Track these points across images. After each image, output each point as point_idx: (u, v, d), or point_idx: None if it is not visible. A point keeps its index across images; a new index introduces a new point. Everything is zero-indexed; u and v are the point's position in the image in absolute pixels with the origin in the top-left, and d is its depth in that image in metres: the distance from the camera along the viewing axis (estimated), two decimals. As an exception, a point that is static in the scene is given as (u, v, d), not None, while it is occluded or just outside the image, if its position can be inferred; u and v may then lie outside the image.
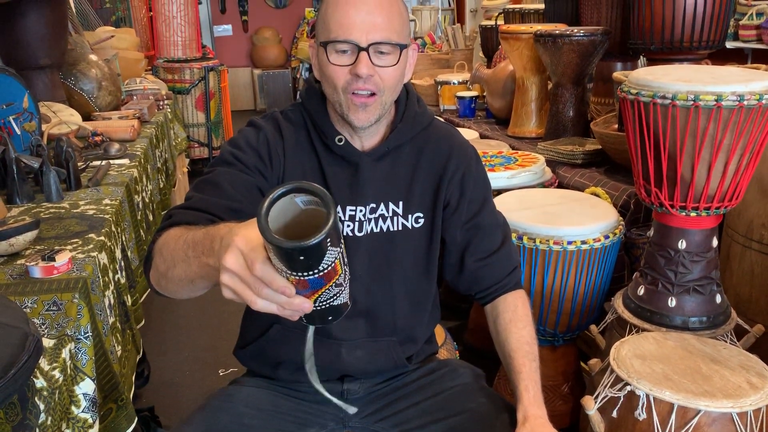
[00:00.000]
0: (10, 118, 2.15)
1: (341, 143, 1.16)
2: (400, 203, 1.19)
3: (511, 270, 1.26)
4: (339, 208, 1.17)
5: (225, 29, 8.62)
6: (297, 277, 0.71)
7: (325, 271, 0.71)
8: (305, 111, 1.20)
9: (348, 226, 1.17)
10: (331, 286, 0.74)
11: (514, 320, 1.21)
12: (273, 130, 1.18)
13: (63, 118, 2.54)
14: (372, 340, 1.21)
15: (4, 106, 2.13)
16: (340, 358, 1.19)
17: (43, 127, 2.32)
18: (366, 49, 1.05)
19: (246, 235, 0.73)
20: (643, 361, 1.36)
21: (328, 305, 0.77)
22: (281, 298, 0.73)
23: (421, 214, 1.20)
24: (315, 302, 0.75)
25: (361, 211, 1.17)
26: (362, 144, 1.18)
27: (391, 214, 1.18)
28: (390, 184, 1.19)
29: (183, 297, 0.99)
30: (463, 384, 1.22)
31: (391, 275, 1.20)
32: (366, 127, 1.13)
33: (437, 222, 1.21)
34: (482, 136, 3.01)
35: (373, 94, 1.09)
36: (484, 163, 2.25)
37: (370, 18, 1.05)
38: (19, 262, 1.40)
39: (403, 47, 1.09)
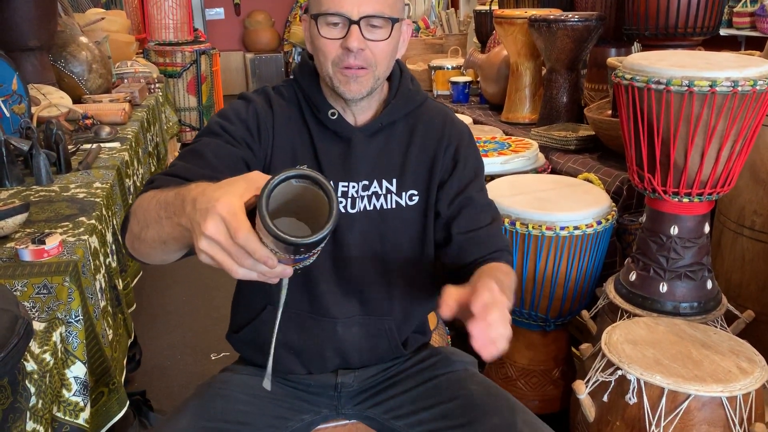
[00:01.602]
0: (-1, 100, 2.12)
1: (334, 117, 1.15)
2: (394, 181, 1.17)
3: (499, 247, 1.19)
4: (332, 185, 1.15)
5: (217, 12, 8.53)
6: (287, 256, 0.72)
7: (315, 250, 0.72)
8: (298, 86, 1.19)
9: (341, 202, 1.15)
10: (313, 256, 0.76)
11: (492, 267, 1.11)
12: (263, 102, 1.17)
13: (53, 101, 2.51)
14: (367, 318, 1.20)
15: (-7, 88, 2.11)
16: (336, 336, 1.18)
17: (33, 109, 2.29)
18: (357, 23, 1.03)
19: (228, 201, 0.71)
20: (635, 346, 1.37)
21: (303, 266, 0.79)
22: (263, 267, 0.72)
23: (416, 192, 1.19)
24: (295, 268, 0.77)
25: (353, 187, 1.15)
26: (355, 119, 1.17)
27: (384, 192, 1.17)
28: (383, 162, 1.17)
29: (157, 261, 0.96)
30: (455, 371, 1.21)
31: (384, 254, 1.19)
32: (358, 99, 1.11)
33: (432, 200, 1.20)
34: (476, 122, 3.01)
35: (365, 68, 1.07)
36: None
37: None
38: (8, 245, 1.39)
39: (395, 21, 1.07)
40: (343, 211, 1.15)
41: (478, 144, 2.30)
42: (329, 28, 1.05)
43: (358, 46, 1.04)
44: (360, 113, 1.17)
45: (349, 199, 1.16)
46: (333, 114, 1.15)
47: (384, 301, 1.20)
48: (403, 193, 1.18)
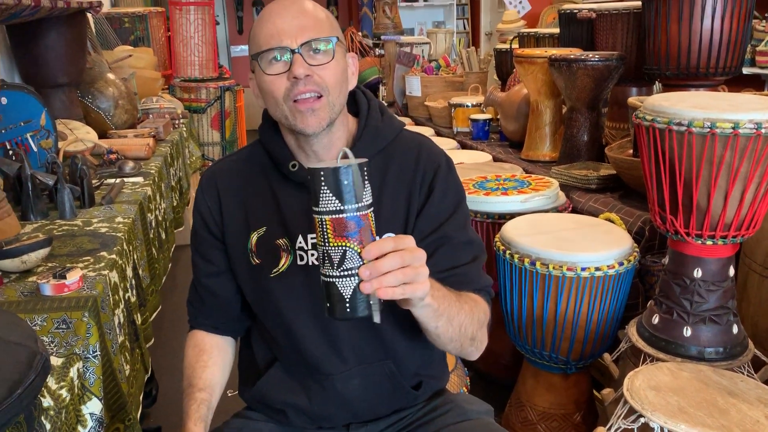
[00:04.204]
0: (28, 135, 2.17)
1: (294, 169, 1.13)
2: None
3: (478, 288, 1.13)
4: (300, 238, 1.13)
5: (242, 50, 8.72)
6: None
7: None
8: (260, 143, 1.19)
9: (312, 255, 1.12)
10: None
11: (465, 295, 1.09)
12: (209, 193, 1.21)
13: (79, 136, 2.56)
14: (365, 367, 1.16)
15: (22, 123, 2.16)
16: (336, 392, 1.15)
17: (60, 144, 2.34)
18: (298, 51, 1.03)
19: None
20: (658, 393, 1.33)
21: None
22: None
23: (392, 234, 1.11)
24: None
25: None
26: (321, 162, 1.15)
27: None
28: None
29: None
30: (469, 420, 1.18)
31: None
32: (318, 133, 1.08)
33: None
34: (495, 159, 3.01)
35: (319, 97, 1.05)
36: (496, 186, 2.26)
37: (297, 21, 1.04)
38: (30, 279, 1.41)
39: (335, 40, 1.06)
40: (317, 263, 1.07)
41: (497, 182, 2.32)
42: (273, 65, 1.05)
43: (304, 72, 1.03)
44: (324, 153, 1.13)
45: None
46: (294, 166, 1.13)
47: (377, 346, 1.15)
48: (378, 237, 1.13)
